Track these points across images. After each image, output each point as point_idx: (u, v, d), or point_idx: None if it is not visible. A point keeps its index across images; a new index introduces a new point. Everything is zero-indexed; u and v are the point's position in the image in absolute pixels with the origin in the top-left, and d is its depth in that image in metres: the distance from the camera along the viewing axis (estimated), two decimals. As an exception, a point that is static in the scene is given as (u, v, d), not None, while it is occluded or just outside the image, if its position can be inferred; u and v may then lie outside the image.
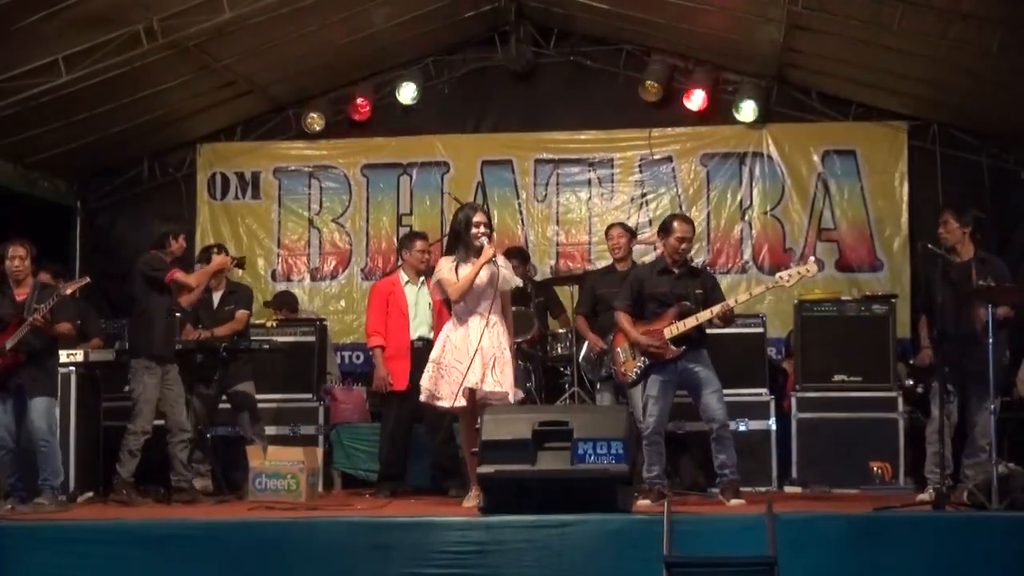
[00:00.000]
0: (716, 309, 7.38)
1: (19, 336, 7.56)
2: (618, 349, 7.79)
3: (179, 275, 8.26)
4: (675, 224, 7.59)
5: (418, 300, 8.42)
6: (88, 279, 7.92)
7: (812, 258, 7.93)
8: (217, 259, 8.60)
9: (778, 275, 7.60)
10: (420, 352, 8.13)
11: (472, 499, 6.90)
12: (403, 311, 8.39)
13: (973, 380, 7.20)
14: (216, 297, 8.92)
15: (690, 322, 7.39)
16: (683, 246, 7.55)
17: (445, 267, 7.11)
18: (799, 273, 7.47)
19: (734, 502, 7.27)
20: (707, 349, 7.55)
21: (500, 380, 6.93)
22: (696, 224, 10.58)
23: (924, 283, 7.63)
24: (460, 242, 7.10)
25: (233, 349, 8.46)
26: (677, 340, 7.41)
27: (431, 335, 8.22)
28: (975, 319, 7.09)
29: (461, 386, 6.90)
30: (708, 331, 7.64)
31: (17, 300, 7.76)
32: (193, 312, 8.89)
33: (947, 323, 7.21)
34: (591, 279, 9.09)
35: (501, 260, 7.12)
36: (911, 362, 9.01)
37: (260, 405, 8.91)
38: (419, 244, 8.60)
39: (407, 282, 8.51)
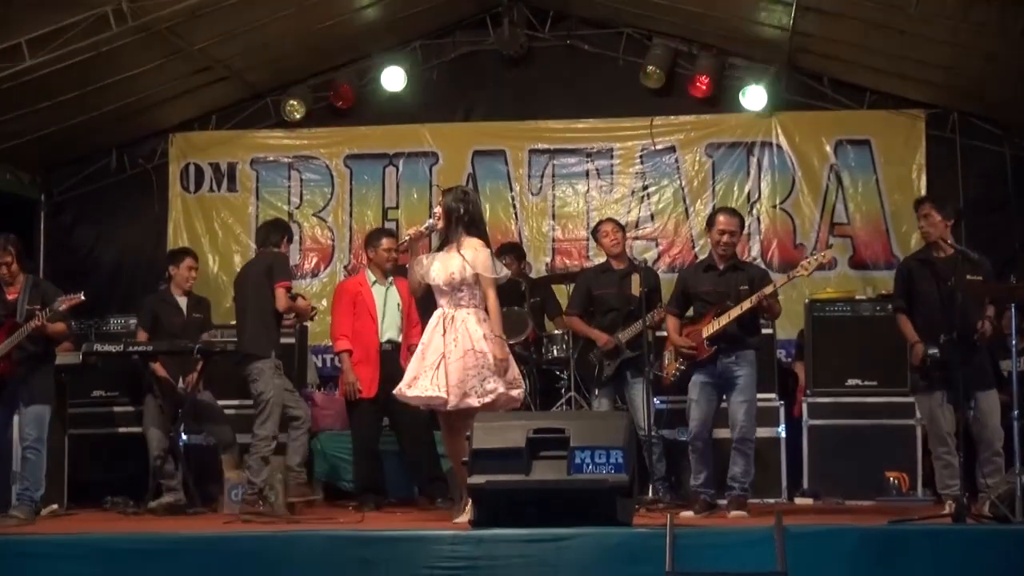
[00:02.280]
0: (746, 304, 7.46)
1: (14, 342, 7.53)
2: (666, 352, 8.05)
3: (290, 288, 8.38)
4: (718, 217, 7.77)
5: (386, 301, 8.42)
6: (83, 297, 7.84)
7: (829, 242, 7.98)
8: (304, 304, 8.60)
9: (800, 265, 7.82)
10: (388, 356, 8.16)
11: (465, 514, 6.89)
12: (371, 313, 8.40)
13: (979, 385, 7.23)
14: (183, 301, 8.90)
15: (723, 319, 7.47)
16: (725, 239, 7.65)
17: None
18: (816, 260, 7.70)
19: (734, 513, 7.31)
20: (755, 349, 7.61)
21: (438, 383, 6.88)
22: (702, 219, 10.65)
23: (900, 280, 7.63)
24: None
25: (207, 352, 8.44)
26: (714, 339, 7.46)
27: (400, 338, 8.23)
28: (971, 319, 7.13)
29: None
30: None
31: (8, 300, 7.73)
32: (147, 316, 8.92)
33: (934, 323, 7.23)
34: (585, 278, 9.08)
35: (470, 252, 6.95)
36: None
37: (236, 411, 8.94)
38: (385, 242, 8.61)
39: (374, 282, 8.53)
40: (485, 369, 6.82)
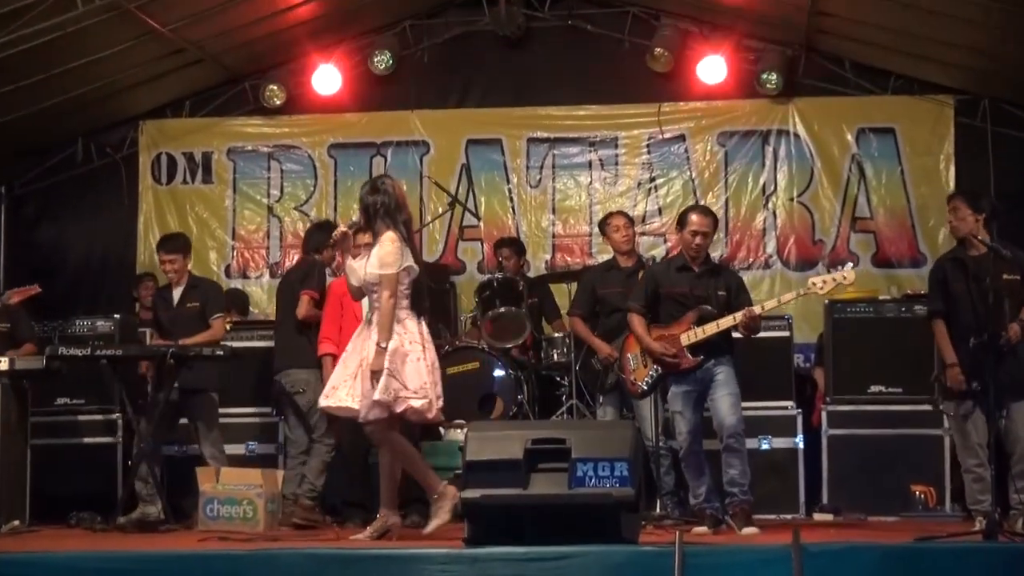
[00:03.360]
0: (739, 316, 7.39)
1: None
2: (628, 355, 7.85)
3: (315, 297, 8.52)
4: (691, 216, 7.66)
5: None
6: (38, 288, 7.82)
7: (850, 264, 7.90)
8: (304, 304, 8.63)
9: (811, 281, 7.64)
10: None
11: (369, 531, 7.03)
12: (357, 315, 8.38)
13: (1013, 394, 7.25)
14: (176, 293, 8.88)
15: (710, 328, 7.42)
16: (697, 241, 7.58)
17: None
18: (834, 280, 7.52)
19: (746, 531, 7.29)
20: (732, 355, 7.57)
21: (353, 394, 6.95)
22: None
23: (935, 282, 7.64)
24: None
25: (181, 356, 8.43)
26: (695, 348, 7.44)
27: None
28: (1004, 322, 7.16)
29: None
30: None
31: None
32: (154, 318, 8.93)
33: (966, 325, 7.25)
34: (590, 276, 9.09)
35: (376, 248, 6.98)
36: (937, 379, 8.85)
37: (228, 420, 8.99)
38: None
39: None
40: (389, 378, 6.82)
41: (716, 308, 7.48)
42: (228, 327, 9.04)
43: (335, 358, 8.39)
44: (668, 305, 7.65)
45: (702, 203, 10.99)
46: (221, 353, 8.50)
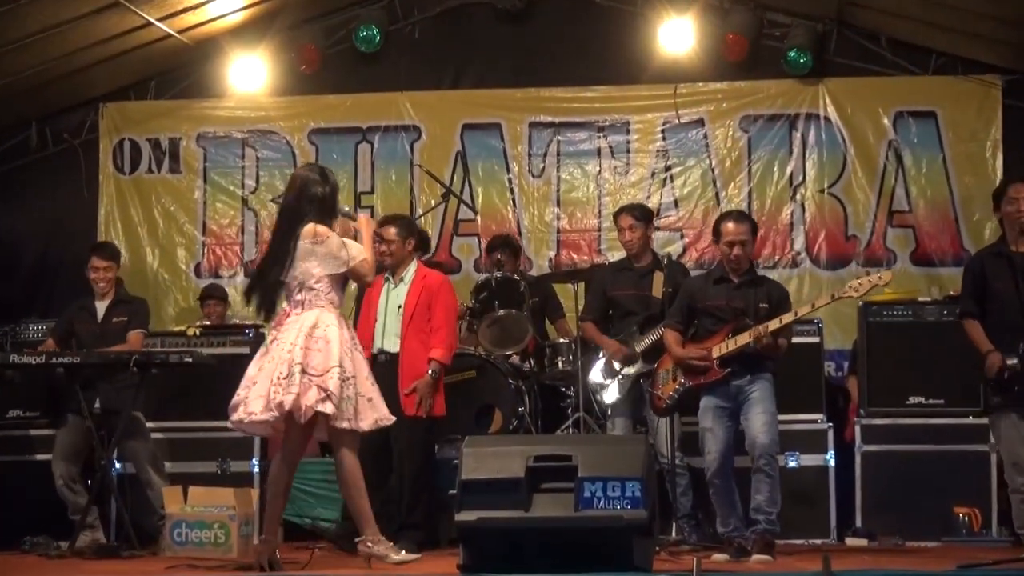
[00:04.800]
0: (773, 324, 7.43)
1: None
2: (660, 372, 7.98)
3: None
4: (725, 225, 7.72)
5: (388, 303, 8.41)
6: None
7: (885, 269, 7.91)
8: None
9: (848, 285, 7.66)
10: (381, 368, 8.14)
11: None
12: (372, 317, 8.40)
13: None
14: (101, 307, 8.93)
15: (742, 339, 7.45)
16: (735, 251, 7.62)
17: (343, 240, 7.08)
18: (871, 281, 7.54)
19: (756, 558, 7.30)
20: (773, 374, 7.60)
21: None
22: (735, 205, 10.66)
23: (971, 278, 7.59)
24: (325, 214, 7.11)
25: (145, 363, 8.44)
26: (726, 361, 7.47)
27: (397, 348, 8.21)
28: None
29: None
30: None
31: None
32: (65, 324, 8.95)
33: (1011, 328, 7.22)
34: (600, 277, 9.09)
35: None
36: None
37: (180, 435, 9.00)
38: (390, 231, 8.55)
39: (387, 279, 8.49)
40: None
41: (756, 322, 7.50)
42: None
43: None
44: (704, 320, 7.74)
45: (723, 195, 11.06)
46: (190, 360, 8.51)
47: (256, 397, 6.80)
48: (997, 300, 7.36)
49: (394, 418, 7.20)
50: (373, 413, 6.97)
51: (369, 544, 6.91)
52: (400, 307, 8.32)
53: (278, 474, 7.01)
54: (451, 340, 8.36)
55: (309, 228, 6.92)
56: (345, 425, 6.82)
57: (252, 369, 6.93)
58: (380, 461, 8.05)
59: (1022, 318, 7.13)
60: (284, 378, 6.72)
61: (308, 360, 6.75)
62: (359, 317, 8.54)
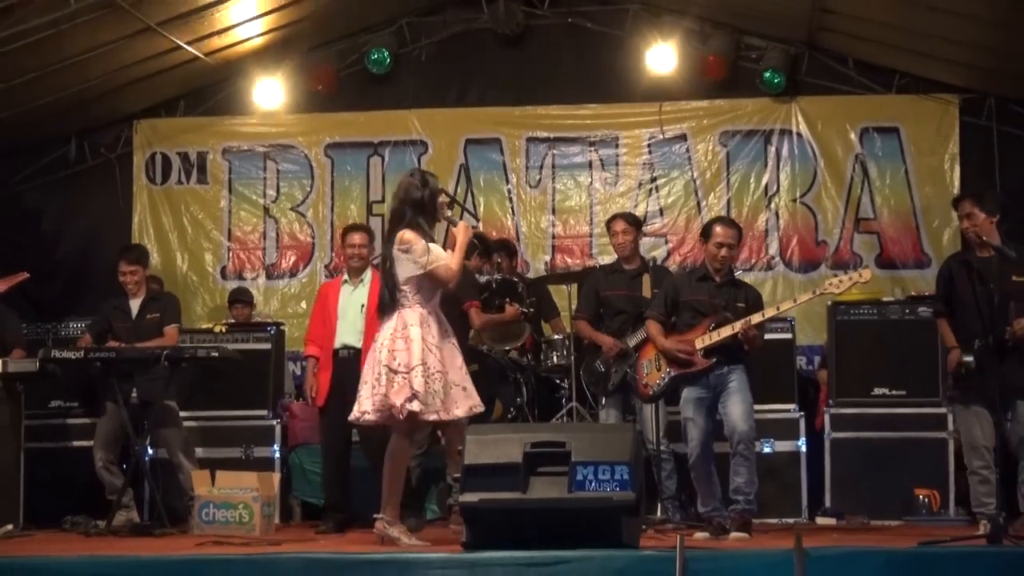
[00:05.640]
0: (755, 318, 7.46)
1: None
2: (643, 361, 7.96)
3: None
4: (716, 228, 7.74)
5: (350, 302, 8.46)
6: (26, 275, 7.80)
7: (866, 267, 7.97)
8: None
9: (827, 282, 7.70)
10: (343, 363, 8.20)
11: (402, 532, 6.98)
12: (333, 315, 8.47)
13: (1016, 393, 7.29)
14: (134, 305, 8.94)
15: (725, 331, 7.47)
16: (723, 253, 7.66)
17: (428, 245, 6.97)
18: (850, 279, 7.57)
19: (735, 535, 7.32)
20: (747, 367, 7.62)
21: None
22: (715, 213, 10.67)
23: (940, 282, 7.72)
24: (425, 216, 7.06)
25: (176, 358, 8.46)
26: (710, 352, 7.50)
27: (360, 343, 8.21)
28: (1009, 323, 7.21)
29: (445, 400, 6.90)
30: None
31: None
32: (101, 322, 8.95)
33: (970, 327, 7.29)
34: (593, 278, 9.11)
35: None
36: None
37: (208, 423, 9.03)
38: (355, 237, 8.62)
39: (345, 281, 8.60)
40: None
41: (736, 316, 7.53)
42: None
43: (319, 361, 8.46)
44: (686, 313, 7.74)
45: (704, 204, 11.07)
46: (217, 355, 8.54)
47: (365, 397, 6.87)
48: (959, 303, 7.50)
49: (484, 407, 7.17)
50: (467, 401, 6.96)
51: (386, 524, 6.92)
52: (363, 306, 8.38)
53: (400, 451, 7.00)
54: None
55: (400, 235, 6.93)
56: (433, 417, 6.85)
57: (364, 367, 6.99)
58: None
59: (979, 320, 7.22)
60: (378, 379, 6.79)
61: (393, 360, 6.78)
62: (312, 318, 8.64)
